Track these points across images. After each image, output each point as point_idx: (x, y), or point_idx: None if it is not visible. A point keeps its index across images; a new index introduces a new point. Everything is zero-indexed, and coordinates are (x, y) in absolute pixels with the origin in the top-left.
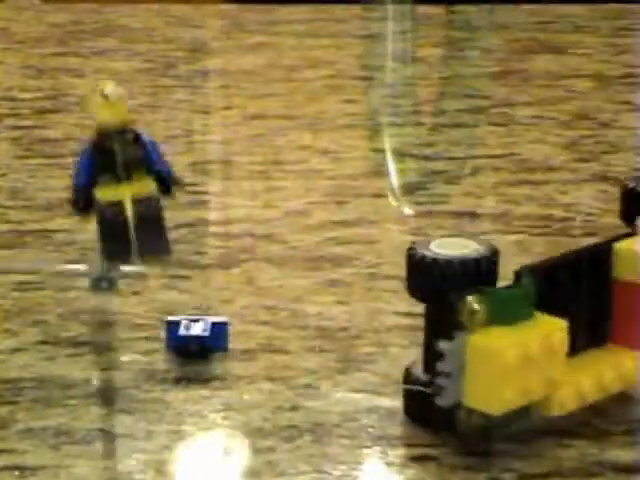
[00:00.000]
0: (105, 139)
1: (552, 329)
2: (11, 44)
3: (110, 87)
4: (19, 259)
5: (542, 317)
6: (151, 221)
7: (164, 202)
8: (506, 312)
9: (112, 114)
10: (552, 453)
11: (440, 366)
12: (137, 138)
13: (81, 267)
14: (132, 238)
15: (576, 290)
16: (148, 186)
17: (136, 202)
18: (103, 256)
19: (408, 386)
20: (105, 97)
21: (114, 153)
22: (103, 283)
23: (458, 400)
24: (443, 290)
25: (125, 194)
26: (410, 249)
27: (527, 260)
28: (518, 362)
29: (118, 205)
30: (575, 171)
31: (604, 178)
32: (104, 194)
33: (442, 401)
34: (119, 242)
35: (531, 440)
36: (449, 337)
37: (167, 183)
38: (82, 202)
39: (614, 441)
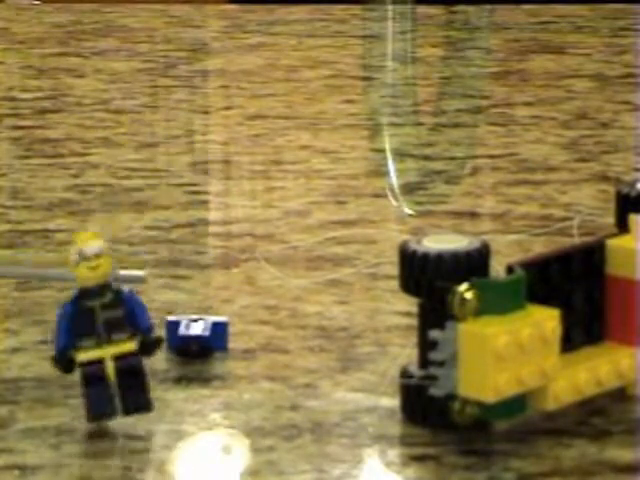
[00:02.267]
0: (84, 300)
1: (544, 318)
2: (11, 44)
3: (88, 243)
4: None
5: (534, 307)
6: (132, 379)
7: (144, 359)
8: (497, 302)
9: (90, 274)
10: (552, 453)
11: (433, 355)
12: (118, 297)
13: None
14: (114, 398)
15: (569, 286)
16: (128, 347)
17: (117, 360)
18: (87, 415)
19: (402, 380)
20: (83, 256)
21: (94, 315)
22: None
23: (452, 391)
24: (434, 283)
25: (105, 355)
26: (402, 244)
27: None
28: (509, 349)
29: (98, 364)
30: (575, 171)
31: (604, 178)
32: (84, 357)
33: (436, 391)
34: (101, 401)
35: (531, 440)
36: (441, 326)
37: (147, 342)
38: (64, 363)
39: (614, 441)
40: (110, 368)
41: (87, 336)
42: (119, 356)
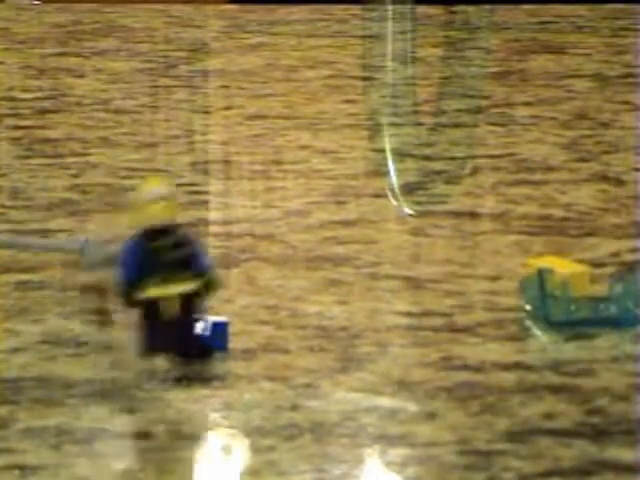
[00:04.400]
0: (151, 238)
1: None
2: (11, 44)
3: (159, 185)
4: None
5: None
6: (192, 318)
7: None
8: None
9: (161, 214)
10: (552, 453)
11: None
12: (183, 238)
13: (77, 243)
14: (172, 335)
15: None
16: (191, 285)
17: (178, 299)
18: (141, 350)
19: None
20: (155, 196)
21: (160, 253)
22: (96, 263)
23: None
24: None
25: (169, 293)
26: None
27: (526, 260)
28: None
29: (161, 301)
30: (575, 171)
31: (604, 178)
32: (148, 292)
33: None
34: (158, 337)
35: (531, 440)
36: None
37: (209, 283)
38: (130, 296)
39: (614, 441)
40: (172, 306)
41: (152, 274)
42: (181, 296)
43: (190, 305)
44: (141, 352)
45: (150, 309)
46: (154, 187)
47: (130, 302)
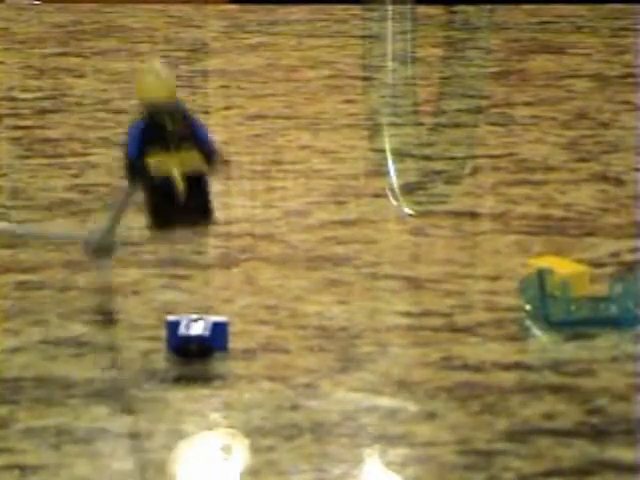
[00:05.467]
0: (155, 114)
1: None
2: (11, 44)
3: (159, 65)
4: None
5: None
6: (198, 190)
7: (209, 176)
8: None
9: (162, 91)
10: (552, 452)
11: None
12: (185, 114)
13: (83, 233)
14: (179, 210)
15: None
16: (196, 160)
17: (185, 171)
18: (147, 224)
19: None
20: (157, 74)
21: (164, 127)
22: (102, 250)
23: None
24: None
25: (174, 166)
26: None
27: (526, 260)
28: None
29: (168, 173)
30: (574, 171)
31: (604, 178)
32: (155, 162)
33: None
34: (166, 209)
35: (531, 440)
36: None
37: (212, 158)
38: (135, 169)
39: (614, 441)
40: (178, 178)
41: (158, 144)
42: (187, 167)
43: (197, 181)
44: (152, 228)
45: (156, 183)
46: (156, 66)
47: (136, 174)
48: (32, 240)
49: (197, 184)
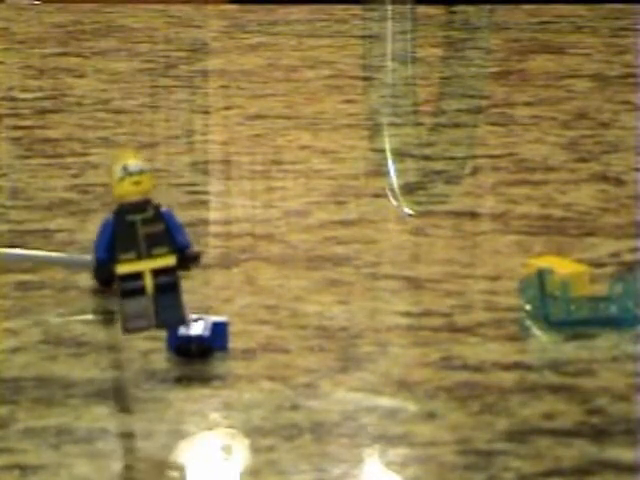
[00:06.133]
0: (125, 214)
1: None
2: (11, 44)
3: (132, 161)
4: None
5: None
6: (170, 293)
7: (181, 275)
8: None
9: (133, 189)
10: (552, 452)
11: None
12: (158, 213)
13: (86, 257)
14: (150, 310)
15: None
16: (168, 260)
17: (155, 276)
18: (123, 328)
19: None
20: (127, 172)
21: (135, 229)
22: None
23: None
24: None
25: (145, 269)
26: None
27: (526, 260)
28: None
29: (137, 277)
30: (574, 171)
31: (604, 178)
32: (124, 269)
33: None
34: (137, 314)
35: (531, 440)
36: None
37: (186, 257)
38: (104, 275)
39: (614, 441)
40: (149, 282)
41: (128, 249)
42: (158, 270)
43: (168, 281)
44: (125, 332)
45: (128, 287)
46: (126, 162)
47: (104, 279)
48: (33, 238)
49: (170, 287)
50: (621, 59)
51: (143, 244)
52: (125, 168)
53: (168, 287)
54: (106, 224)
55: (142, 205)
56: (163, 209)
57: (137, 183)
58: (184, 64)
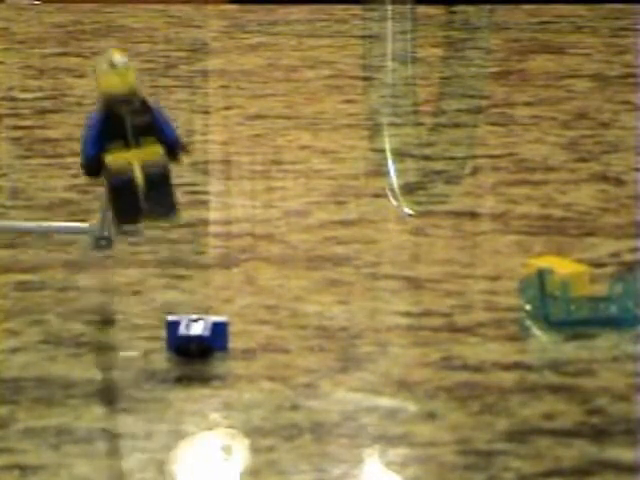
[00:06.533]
0: (113, 107)
1: None
2: (11, 44)
3: (117, 56)
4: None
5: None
6: (160, 184)
7: (171, 166)
8: None
9: (120, 82)
10: (552, 453)
11: None
12: (144, 105)
13: (82, 225)
14: (141, 202)
15: None
16: (156, 151)
17: (145, 166)
18: (113, 220)
19: None
20: (113, 65)
21: (123, 120)
22: (102, 241)
23: None
24: None
25: (134, 159)
26: None
27: (526, 260)
28: None
29: (127, 170)
30: (574, 171)
31: (604, 178)
32: (113, 160)
33: None
34: (129, 206)
35: (531, 440)
36: None
37: (174, 148)
38: (93, 168)
39: (614, 441)
40: (138, 174)
41: (116, 140)
42: (147, 163)
43: (158, 172)
44: (118, 224)
45: (117, 180)
46: (112, 57)
47: (94, 170)
48: (33, 238)
49: (159, 177)
50: (621, 59)
51: (131, 134)
52: (110, 62)
53: (158, 179)
54: (94, 118)
55: (129, 97)
56: (150, 101)
57: (123, 75)
58: (184, 64)
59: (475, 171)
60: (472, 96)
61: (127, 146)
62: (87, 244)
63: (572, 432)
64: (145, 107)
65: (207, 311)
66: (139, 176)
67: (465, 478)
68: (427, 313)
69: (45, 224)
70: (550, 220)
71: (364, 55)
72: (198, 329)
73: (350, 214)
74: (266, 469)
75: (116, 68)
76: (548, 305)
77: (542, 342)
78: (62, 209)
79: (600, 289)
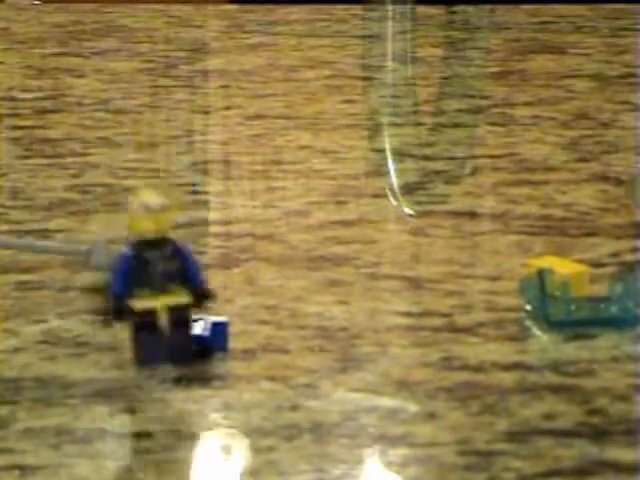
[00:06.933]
0: (143, 250)
1: None
2: (11, 44)
3: (151, 197)
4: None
5: None
6: (182, 329)
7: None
8: None
9: (152, 226)
10: (552, 453)
11: None
12: (175, 249)
13: (81, 248)
14: (163, 346)
15: None
16: (182, 298)
17: (169, 310)
18: (133, 361)
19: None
20: (147, 208)
21: (152, 265)
22: (101, 266)
23: None
24: None
25: (160, 304)
26: None
27: (526, 260)
28: None
29: (152, 313)
30: (575, 171)
31: (604, 178)
32: (139, 304)
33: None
34: (150, 349)
35: (531, 440)
36: None
37: (201, 296)
38: (120, 309)
39: (614, 441)
40: (163, 318)
41: (144, 285)
42: (172, 307)
43: (182, 318)
44: (137, 365)
45: (142, 322)
46: (147, 199)
47: (120, 315)
48: (32, 228)
49: (182, 322)
50: (621, 59)
51: (159, 281)
52: (144, 204)
53: (181, 323)
54: (123, 258)
55: (160, 242)
56: (180, 245)
57: (156, 220)
58: (184, 64)
59: (475, 171)
60: (472, 96)
61: (154, 292)
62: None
63: (572, 432)
64: (175, 252)
65: (207, 311)
66: (164, 321)
67: (465, 478)
68: (427, 313)
69: (41, 243)
70: (550, 220)
71: (364, 55)
72: (198, 329)
73: (350, 214)
74: (266, 469)
75: (150, 211)
76: (548, 305)
77: (542, 342)
78: (62, 209)
79: (600, 289)
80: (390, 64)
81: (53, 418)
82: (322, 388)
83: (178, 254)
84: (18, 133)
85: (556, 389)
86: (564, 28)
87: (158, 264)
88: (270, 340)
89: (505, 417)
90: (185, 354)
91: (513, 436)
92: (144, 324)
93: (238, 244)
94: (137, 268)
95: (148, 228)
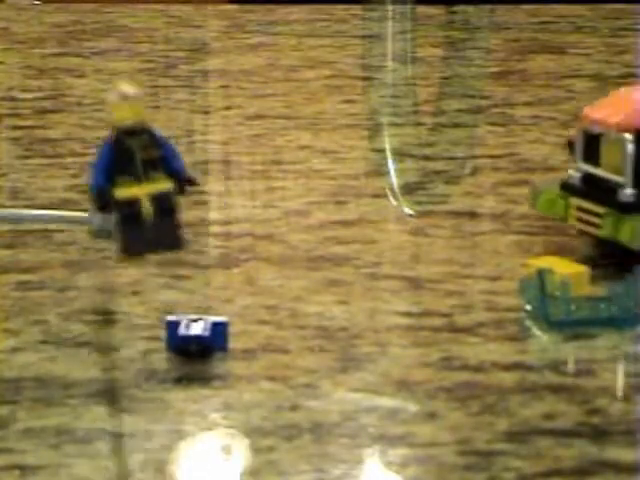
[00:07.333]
0: (123, 139)
1: None
2: (11, 44)
3: (128, 87)
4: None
5: None
6: (167, 216)
7: (179, 199)
8: None
9: (130, 114)
10: (552, 453)
11: None
12: (154, 138)
13: (82, 215)
14: (148, 234)
15: None
16: (165, 184)
17: (153, 199)
18: (119, 251)
19: None
20: (123, 97)
21: (133, 153)
22: (103, 232)
23: None
24: None
25: (143, 193)
26: None
27: (526, 260)
28: None
29: (136, 202)
30: None
31: None
32: (122, 193)
33: None
34: (135, 238)
35: (531, 440)
36: None
37: (183, 182)
38: (101, 201)
39: (614, 441)
40: (146, 206)
41: (125, 173)
42: (155, 195)
43: (166, 206)
44: (121, 256)
45: (127, 212)
46: (123, 88)
47: (103, 204)
48: (33, 238)
49: (167, 210)
50: (621, 59)
51: (140, 168)
52: (121, 93)
53: (166, 212)
54: (104, 149)
55: (138, 130)
56: (158, 135)
57: (133, 108)
58: (184, 64)
59: (475, 171)
60: (472, 96)
61: (136, 180)
62: (88, 233)
63: (572, 432)
64: (154, 141)
65: (207, 311)
66: (147, 209)
67: (465, 478)
68: (427, 313)
69: (45, 213)
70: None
71: (364, 55)
72: (198, 329)
73: (350, 214)
74: (266, 469)
75: (126, 100)
76: (548, 305)
77: (542, 342)
78: (62, 209)
79: (600, 289)
80: (390, 64)
81: (53, 418)
82: (322, 388)
83: (158, 142)
84: (18, 133)
85: (556, 389)
86: (564, 28)
87: (139, 152)
88: (270, 340)
89: (505, 417)
90: (172, 241)
91: (513, 436)
92: (128, 214)
93: (238, 244)
94: (118, 157)
95: (127, 115)
